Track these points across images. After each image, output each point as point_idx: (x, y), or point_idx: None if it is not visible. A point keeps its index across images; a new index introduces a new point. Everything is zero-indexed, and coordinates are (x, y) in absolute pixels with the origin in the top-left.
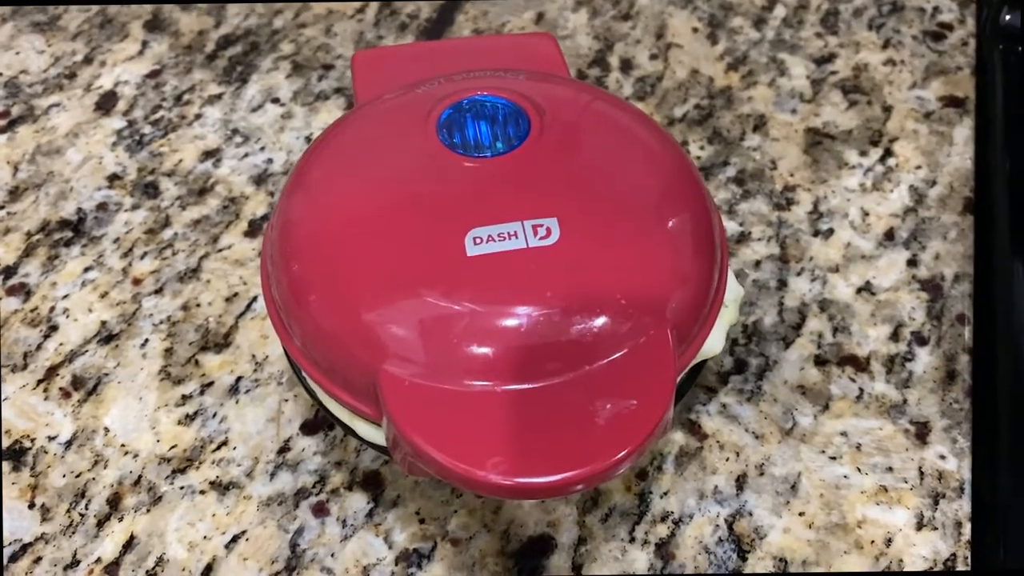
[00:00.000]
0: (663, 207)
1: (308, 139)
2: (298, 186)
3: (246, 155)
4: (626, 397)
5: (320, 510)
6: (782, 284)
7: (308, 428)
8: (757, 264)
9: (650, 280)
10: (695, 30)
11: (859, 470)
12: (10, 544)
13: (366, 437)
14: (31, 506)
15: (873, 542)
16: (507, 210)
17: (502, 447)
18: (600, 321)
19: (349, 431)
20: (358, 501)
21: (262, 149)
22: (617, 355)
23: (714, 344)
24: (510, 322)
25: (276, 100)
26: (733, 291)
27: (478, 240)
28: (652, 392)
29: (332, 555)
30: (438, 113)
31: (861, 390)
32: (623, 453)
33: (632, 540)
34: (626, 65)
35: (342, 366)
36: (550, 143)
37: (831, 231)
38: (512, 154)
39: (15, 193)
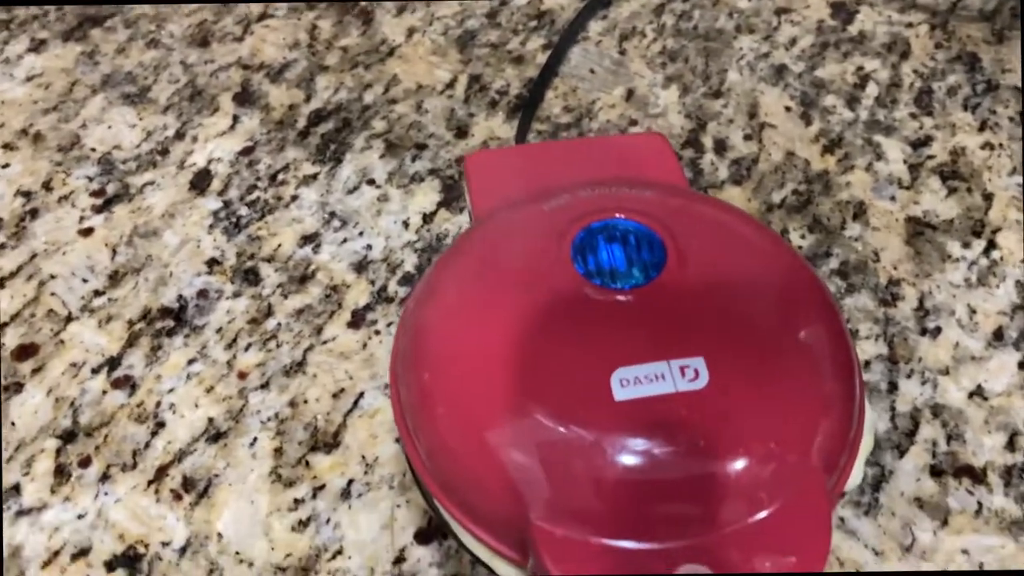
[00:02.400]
0: (806, 339)
1: (406, 224)
2: (429, 317)
3: (345, 240)
4: (784, 552)
5: None
6: (893, 387)
7: (422, 537)
8: (867, 364)
9: (802, 424)
10: (788, 109)
11: None
12: None
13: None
14: None
15: None
16: (652, 349)
17: None
18: (756, 472)
19: (474, 557)
20: None
21: (361, 234)
22: (774, 507)
23: (855, 478)
24: (668, 475)
25: (371, 181)
26: (868, 417)
27: (625, 383)
28: (810, 547)
29: None
30: (571, 237)
31: (980, 504)
32: None
33: None
34: (720, 146)
35: (484, 510)
36: (686, 273)
37: (939, 329)
38: (650, 286)
39: (115, 278)
